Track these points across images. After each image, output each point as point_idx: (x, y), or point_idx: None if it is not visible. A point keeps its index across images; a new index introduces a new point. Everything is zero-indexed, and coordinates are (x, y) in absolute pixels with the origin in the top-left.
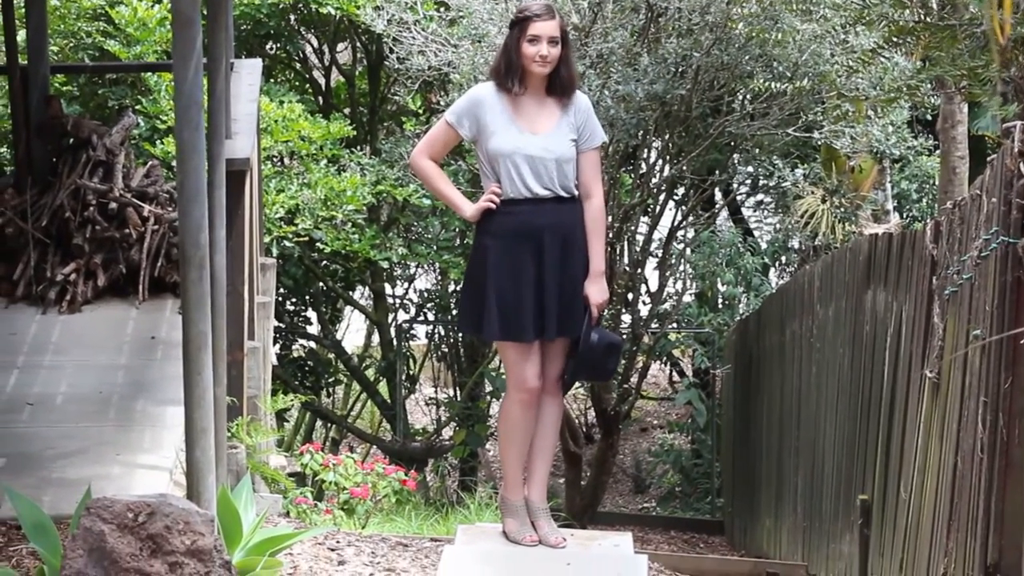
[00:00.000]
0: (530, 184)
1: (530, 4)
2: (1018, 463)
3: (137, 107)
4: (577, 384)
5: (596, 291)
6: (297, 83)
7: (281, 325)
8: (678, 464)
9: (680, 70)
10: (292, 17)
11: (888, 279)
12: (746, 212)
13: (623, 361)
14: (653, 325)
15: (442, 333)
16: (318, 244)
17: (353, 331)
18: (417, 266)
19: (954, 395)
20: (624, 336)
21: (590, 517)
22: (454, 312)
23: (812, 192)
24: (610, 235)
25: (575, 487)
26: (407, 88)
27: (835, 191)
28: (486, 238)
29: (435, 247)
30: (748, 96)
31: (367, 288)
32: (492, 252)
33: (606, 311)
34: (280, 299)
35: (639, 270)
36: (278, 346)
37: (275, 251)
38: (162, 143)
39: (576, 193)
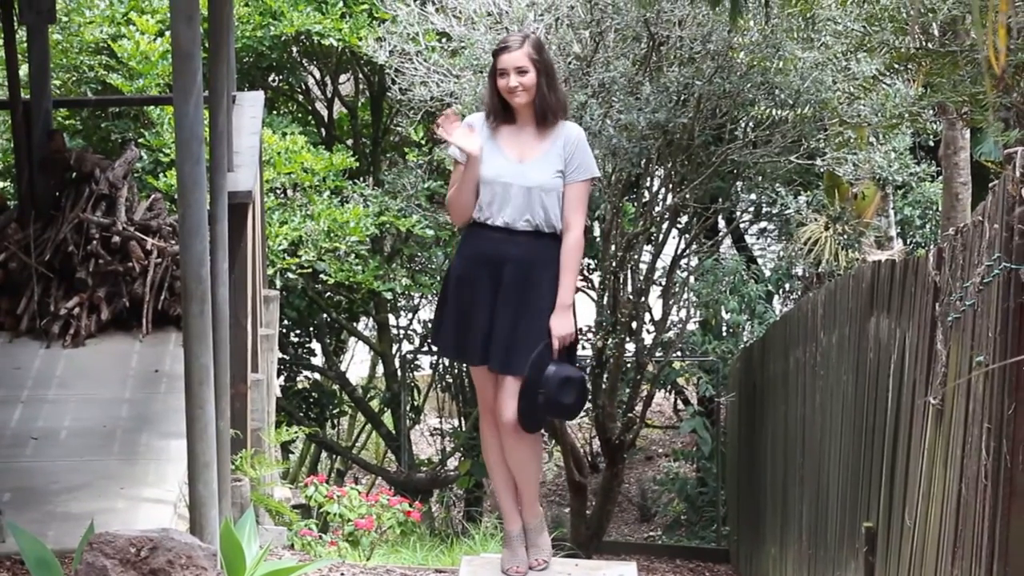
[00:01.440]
0: (505, 213)
1: (507, 36)
2: (1022, 490)
3: (140, 140)
4: (582, 414)
5: (558, 324)
6: (300, 115)
7: (285, 357)
8: (683, 493)
9: (682, 98)
10: (294, 49)
11: (891, 306)
12: (749, 240)
13: (627, 390)
14: (657, 353)
15: (446, 364)
16: (321, 275)
17: (357, 362)
18: (421, 296)
19: (958, 422)
20: (628, 365)
21: (595, 547)
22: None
23: (815, 219)
24: (613, 264)
25: (580, 516)
26: (410, 119)
27: (838, 218)
28: (457, 256)
29: (439, 277)
30: (750, 124)
31: (371, 319)
32: (456, 270)
33: (608, 340)
34: (284, 331)
35: (643, 298)
36: (282, 378)
37: (279, 283)
38: (165, 176)
39: (558, 230)
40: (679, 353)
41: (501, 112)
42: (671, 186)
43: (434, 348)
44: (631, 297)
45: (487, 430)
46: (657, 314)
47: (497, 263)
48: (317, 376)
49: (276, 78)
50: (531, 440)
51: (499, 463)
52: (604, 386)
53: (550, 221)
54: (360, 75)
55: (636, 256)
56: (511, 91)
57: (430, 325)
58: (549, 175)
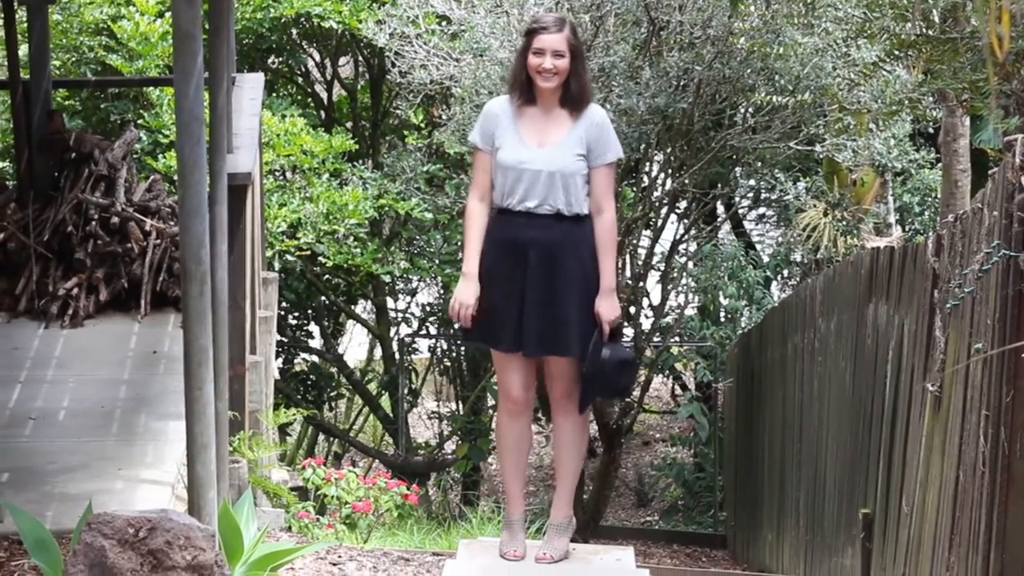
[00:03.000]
0: (525, 198)
1: (542, 16)
2: (1020, 477)
3: (139, 121)
4: None
5: (606, 307)
6: (299, 97)
7: (283, 339)
8: (680, 478)
9: (682, 84)
10: (294, 31)
11: (890, 292)
12: (748, 225)
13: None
14: (655, 339)
15: (444, 347)
16: (320, 258)
17: (355, 345)
18: (419, 280)
19: (956, 409)
20: (627, 349)
21: (592, 531)
22: (456, 326)
23: (814, 205)
24: None
25: (577, 501)
26: (409, 102)
27: (837, 204)
28: (487, 243)
29: (437, 261)
30: (750, 109)
31: (369, 302)
32: (487, 257)
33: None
34: (282, 313)
35: (641, 283)
36: (280, 360)
37: (277, 265)
38: (164, 157)
39: (583, 211)
40: (677, 338)
41: (526, 90)
42: (670, 171)
43: (461, 338)
44: (629, 282)
45: (504, 416)
46: (656, 299)
47: (521, 248)
48: (315, 359)
49: (276, 60)
50: (581, 421)
51: (511, 448)
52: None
53: (571, 205)
54: (360, 58)
55: (635, 241)
56: (544, 72)
57: (428, 308)
58: (570, 159)
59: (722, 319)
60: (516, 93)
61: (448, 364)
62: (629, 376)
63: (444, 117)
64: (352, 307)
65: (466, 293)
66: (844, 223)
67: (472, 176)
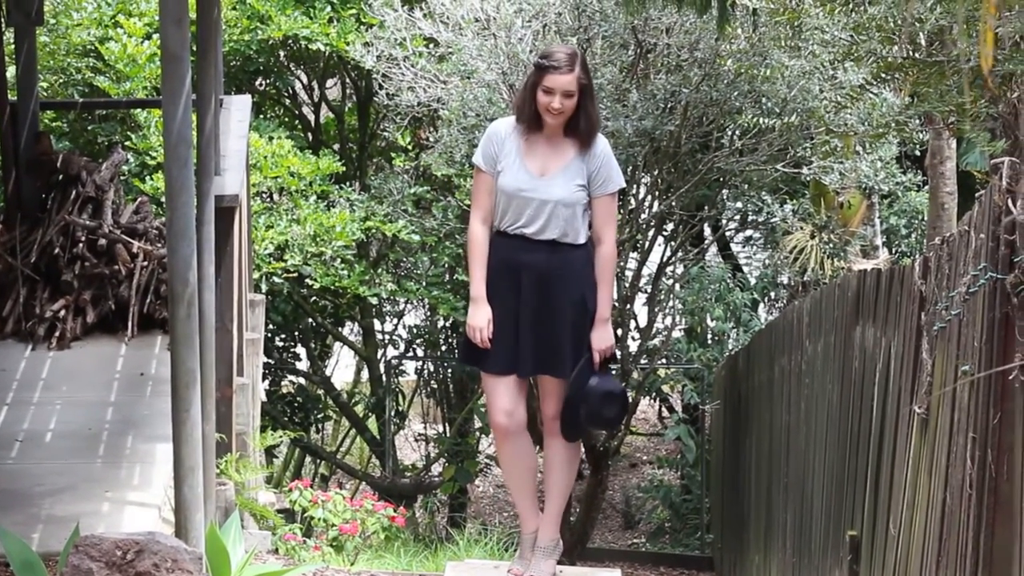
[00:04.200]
0: (523, 224)
1: (555, 51)
2: (1007, 499)
3: (127, 143)
4: None
5: (598, 337)
6: (287, 119)
7: (270, 361)
8: (667, 500)
9: (669, 106)
10: (282, 53)
11: (877, 315)
12: (735, 248)
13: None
14: (642, 361)
15: (431, 369)
16: (307, 280)
17: (342, 367)
18: (406, 302)
19: (943, 431)
20: (613, 371)
21: (579, 553)
22: (443, 348)
23: (801, 228)
24: None
25: (564, 523)
26: (396, 124)
27: (824, 227)
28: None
29: (424, 283)
30: (737, 132)
31: (356, 324)
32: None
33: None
34: (269, 335)
35: (628, 306)
36: (267, 382)
37: (264, 287)
38: (152, 179)
39: (580, 239)
40: (664, 360)
41: (533, 121)
42: (657, 193)
43: (457, 361)
44: (616, 304)
45: (500, 437)
46: (642, 321)
47: (515, 270)
48: (302, 381)
49: (263, 82)
50: (573, 444)
51: (513, 466)
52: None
53: (568, 233)
54: (347, 80)
55: (622, 263)
56: (552, 111)
57: (415, 331)
58: (570, 190)
59: (709, 341)
60: (523, 123)
61: (435, 386)
62: (615, 409)
63: (431, 139)
64: (339, 329)
65: (478, 317)
66: (831, 245)
67: (473, 197)
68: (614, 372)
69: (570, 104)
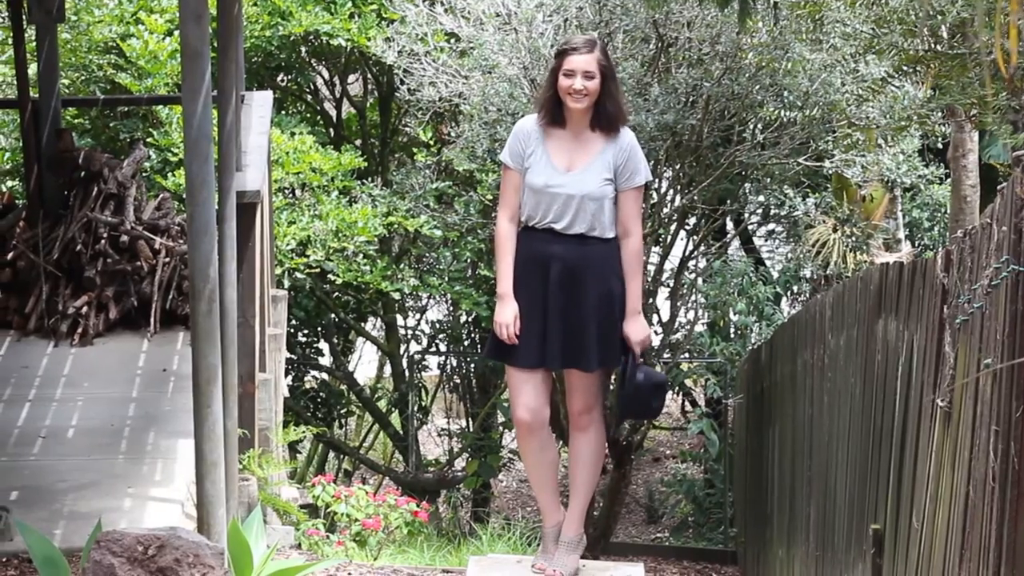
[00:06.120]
0: (550, 219)
1: (572, 38)
2: None
3: (148, 140)
4: None
5: (634, 330)
6: (308, 115)
7: (293, 357)
8: (691, 494)
9: (690, 100)
10: (303, 49)
11: (899, 308)
12: (757, 241)
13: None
14: (665, 355)
15: (454, 364)
16: (330, 276)
17: (365, 362)
18: (429, 297)
19: (965, 424)
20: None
21: (603, 548)
22: (466, 343)
23: (823, 221)
24: None
25: (588, 517)
26: (418, 119)
27: (846, 220)
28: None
29: (446, 278)
30: (759, 125)
31: (379, 319)
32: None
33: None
34: (292, 331)
35: (651, 300)
36: (290, 378)
37: (287, 283)
38: (173, 175)
39: (608, 234)
40: (687, 355)
41: (555, 111)
42: (679, 188)
43: (483, 356)
44: None
45: (523, 431)
46: (665, 315)
47: (544, 263)
48: (325, 376)
49: (285, 78)
50: (598, 439)
51: (535, 461)
52: (612, 387)
53: (595, 227)
54: (369, 75)
55: (644, 257)
56: (575, 93)
57: (438, 326)
58: (597, 184)
59: (732, 335)
60: (543, 113)
61: (458, 381)
62: (661, 400)
63: (453, 134)
64: (362, 324)
65: (505, 313)
66: (853, 239)
67: (501, 195)
68: (642, 361)
69: (592, 86)
